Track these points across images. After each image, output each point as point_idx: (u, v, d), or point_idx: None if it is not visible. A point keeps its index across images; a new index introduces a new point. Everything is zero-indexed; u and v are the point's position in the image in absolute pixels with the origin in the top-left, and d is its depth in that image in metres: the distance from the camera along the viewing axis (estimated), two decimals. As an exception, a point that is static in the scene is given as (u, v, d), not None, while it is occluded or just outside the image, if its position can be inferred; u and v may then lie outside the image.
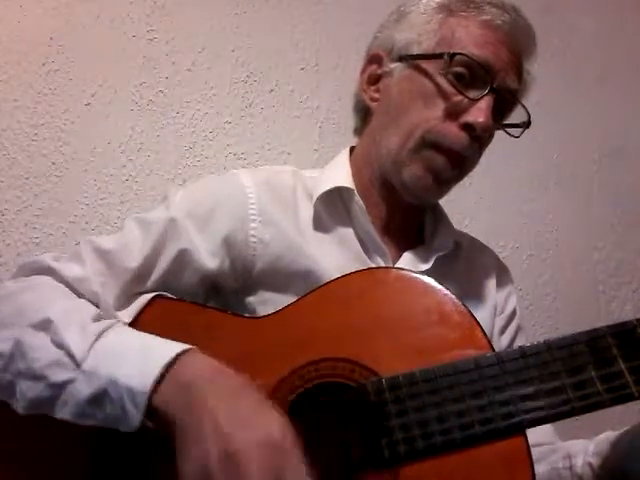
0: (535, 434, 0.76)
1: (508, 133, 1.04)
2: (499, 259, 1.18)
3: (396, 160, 0.99)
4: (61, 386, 0.73)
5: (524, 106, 1.02)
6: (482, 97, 0.95)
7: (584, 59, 2.11)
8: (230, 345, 0.84)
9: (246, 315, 0.93)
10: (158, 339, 0.76)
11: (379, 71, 1.04)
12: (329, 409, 0.82)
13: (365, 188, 1.04)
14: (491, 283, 1.11)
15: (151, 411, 0.70)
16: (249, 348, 0.85)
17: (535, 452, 0.77)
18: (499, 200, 1.92)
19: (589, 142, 2.07)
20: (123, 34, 1.57)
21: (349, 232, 1.01)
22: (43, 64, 1.48)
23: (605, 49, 2.14)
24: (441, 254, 1.04)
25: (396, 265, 1.01)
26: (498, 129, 1.04)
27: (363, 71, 1.07)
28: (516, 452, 0.75)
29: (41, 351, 0.75)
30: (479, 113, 0.95)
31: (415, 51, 0.99)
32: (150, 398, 0.69)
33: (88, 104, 1.51)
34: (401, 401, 0.78)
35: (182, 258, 0.95)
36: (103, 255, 0.93)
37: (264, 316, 0.90)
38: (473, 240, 1.17)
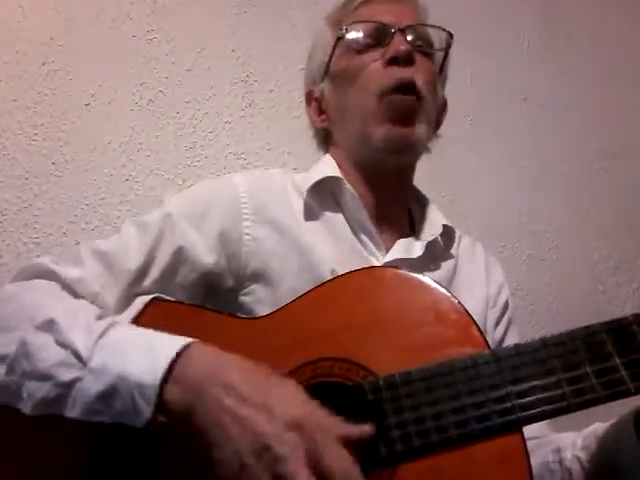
0: (527, 427, 0.76)
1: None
2: (488, 253, 1.19)
3: (364, 135, 1.03)
4: (69, 385, 0.73)
5: (437, 26, 1.08)
6: (391, 39, 1.02)
7: (584, 59, 2.11)
8: (227, 347, 0.83)
9: (243, 316, 0.93)
10: (162, 334, 0.77)
11: (315, 102, 1.14)
12: (326, 409, 0.82)
13: (351, 180, 1.06)
14: (482, 275, 1.12)
15: (162, 404, 0.70)
16: (246, 349, 0.84)
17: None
18: (499, 200, 1.92)
19: (589, 142, 2.06)
20: (123, 34, 1.58)
21: (340, 221, 1.03)
22: (43, 64, 1.49)
23: (605, 49, 2.14)
24: (431, 239, 1.05)
25: (389, 253, 1.02)
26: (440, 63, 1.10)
27: (307, 112, 1.17)
28: (513, 449, 0.75)
29: (46, 351, 0.75)
30: (395, 46, 1.01)
31: (325, 62, 1.10)
32: (160, 391, 0.70)
33: (88, 104, 1.52)
34: (398, 399, 0.78)
35: (179, 256, 0.96)
36: (102, 257, 0.94)
37: (260, 317, 0.90)
38: (463, 235, 1.18)
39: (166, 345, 0.73)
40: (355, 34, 1.06)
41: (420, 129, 1.03)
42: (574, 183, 2.02)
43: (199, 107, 1.62)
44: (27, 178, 1.44)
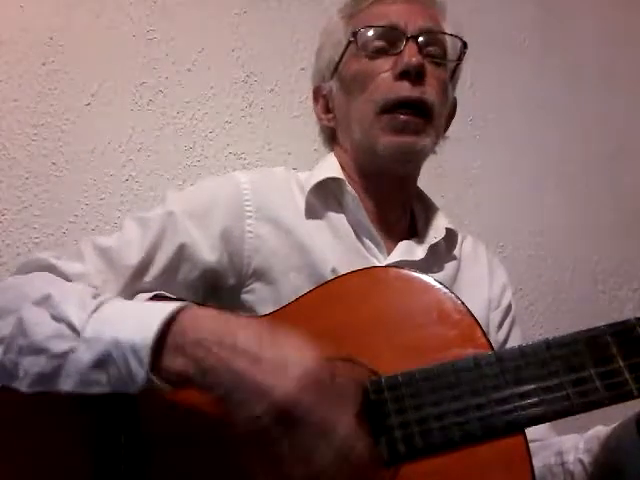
0: (529, 430, 0.76)
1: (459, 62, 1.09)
2: (491, 254, 1.19)
3: (368, 143, 1.03)
4: (63, 356, 0.73)
5: (451, 34, 1.07)
6: (404, 47, 1.00)
7: (584, 59, 2.12)
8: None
9: (245, 315, 0.93)
10: (156, 302, 0.77)
11: (323, 100, 1.13)
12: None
13: (353, 183, 1.06)
14: (485, 276, 1.12)
15: (163, 371, 0.70)
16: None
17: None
18: (499, 200, 1.92)
19: (589, 142, 2.07)
20: (123, 34, 1.57)
21: (343, 222, 1.03)
22: (43, 64, 1.49)
23: (605, 49, 2.15)
24: (434, 242, 1.05)
25: (390, 255, 1.02)
26: (451, 71, 1.08)
27: (314, 108, 1.16)
28: (515, 451, 0.75)
29: (41, 325, 0.75)
30: (406, 58, 0.99)
31: (335, 61, 1.08)
32: (160, 358, 0.70)
33: (88, 104, 1.52)
34: (400, 400, 0.78)
35: (182, 253, 0.96)
36: (103, 253, 0.94)
37: (263, 316, 0.90)
38: (466, 236, 1.18)
39: (160, 308, 0.73)
40: (366, 39, 1.03)
41: (426, 140, 1.02)
42: (574, 183, 2.02)
43: (199, 107, 1.62)
44: (27, 178, 1.44)
